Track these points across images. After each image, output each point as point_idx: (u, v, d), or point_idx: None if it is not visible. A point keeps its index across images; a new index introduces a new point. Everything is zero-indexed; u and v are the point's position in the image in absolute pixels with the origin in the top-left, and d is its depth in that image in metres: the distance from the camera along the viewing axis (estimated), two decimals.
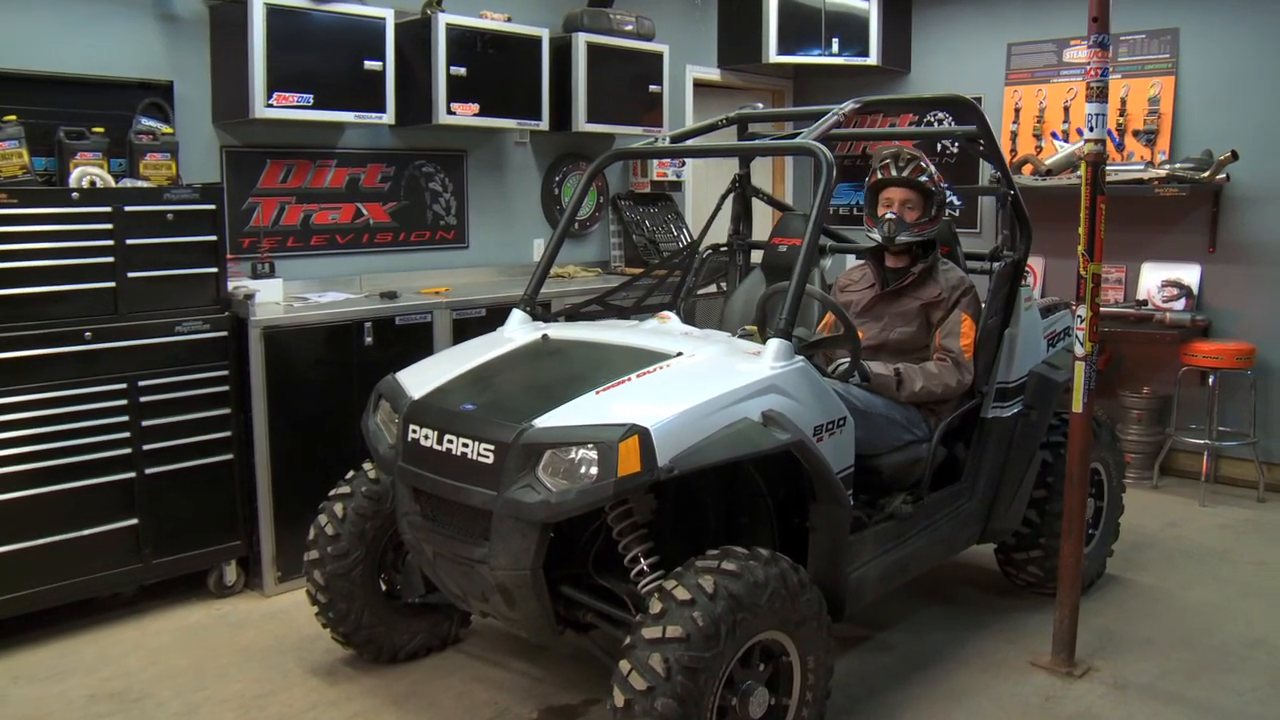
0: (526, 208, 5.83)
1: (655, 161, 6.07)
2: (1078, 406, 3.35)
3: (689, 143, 3.71)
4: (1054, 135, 6.18)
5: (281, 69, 4.38)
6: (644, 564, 2.86)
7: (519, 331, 3.58)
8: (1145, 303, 5.85)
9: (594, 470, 2.62)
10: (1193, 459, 5.81)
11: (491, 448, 2.77)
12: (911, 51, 6.79)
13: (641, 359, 3.03)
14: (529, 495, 2.68)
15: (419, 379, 3.25)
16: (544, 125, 5.36)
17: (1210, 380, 5.55)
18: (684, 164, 6.17)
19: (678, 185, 6.26)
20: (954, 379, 3.53)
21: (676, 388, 2.85)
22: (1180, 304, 5.79)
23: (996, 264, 3.78)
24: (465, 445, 2.84)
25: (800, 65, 6.57)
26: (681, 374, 2.92)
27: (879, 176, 3.66)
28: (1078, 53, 6.11)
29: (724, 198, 4.43)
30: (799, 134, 3.34)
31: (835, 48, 6.41)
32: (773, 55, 6.38)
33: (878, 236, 3.64)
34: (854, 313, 3.73)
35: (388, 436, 3.20)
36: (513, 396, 3.02)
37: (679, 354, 3.02)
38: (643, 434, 2.59)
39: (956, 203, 6.50)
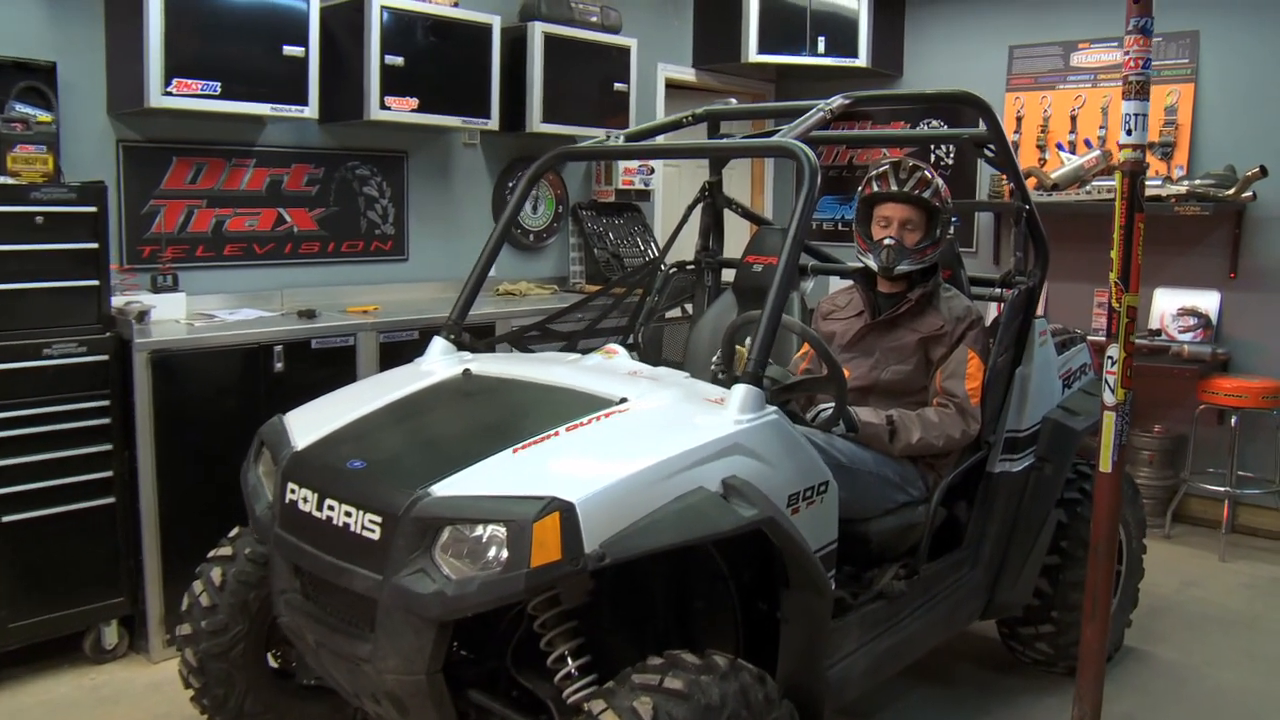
0: (475, 217, 5.24)
1: (621, 168, 5.50)
2: (1106, 465, 2.78)
3: (648, 142, 3.13)
4: (1059, 146, 5.64)
5: (183, 51, 3.79)
6: (571, 666, 2.27)
7: (440, 364, 2.99)
8: (1159, 333, 5.31)
9: (503, 554, 2.04)
10: (1210, 506, 5.26)
11: (378, 519, 2.18)
12: (904, 53, 6.24)
13: (575, 406, 2.45)
14: (422, 584, 2.10)
15: (309, 423, 2.66)
16: (493, 125, 4.79)
17: (1232, 420, 5.00)
18: (652, 171, 5.60)
19: (646, 194, 5.69)
20: (958, 429, 2.96)
21: (614, 446, 2.27)
22: (1197, 335, 5.24)
23: (1007, 291, 3.21)
24: (348, 514, 2.25)
25: (783, 66, 6.02)
26: (622, 428, 2.34)
27: (875, 189, 3.09)
28: (1086, 57, 5.57)
29: (691, 208, 3.85)
30: (777, 131, 2.77)
31: (821, 48, 5.86)
32: (753, 55, 5.82)
33: (872, 263, 3.07)
34: (839, 346, 3.16)
35: (267, 494, 2.61)
36: (413, 452, 2.44)
37: (622, 401, 2.44)
38: (565, 511, 2.00)
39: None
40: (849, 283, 3.33)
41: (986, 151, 3.21)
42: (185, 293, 4.10)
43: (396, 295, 4.84)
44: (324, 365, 3.98)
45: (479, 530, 2.09)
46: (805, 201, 2.48)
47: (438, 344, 3.09)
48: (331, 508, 2.29)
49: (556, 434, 2.30)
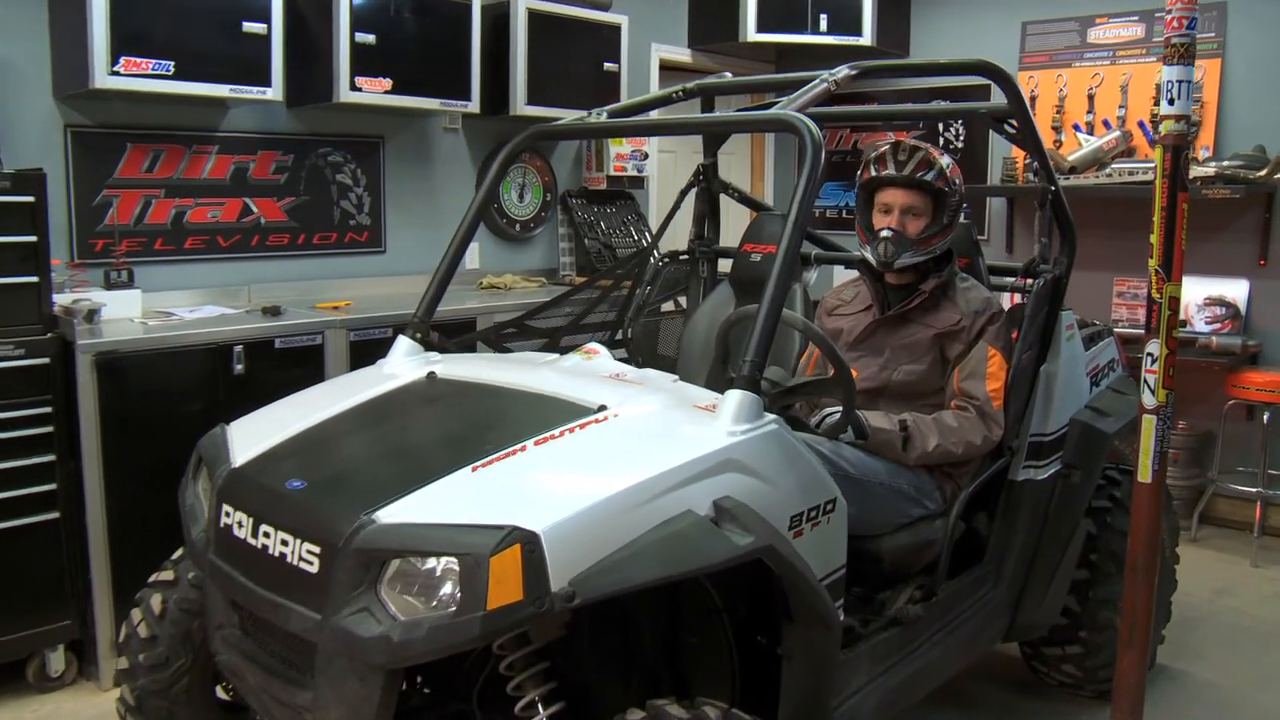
0: (457, 205, 4.93)
1: (613, 153, 5.19)
2: (1146, 475, 2.48)
3: (631, 119, 2.83)
4: (1076, 128, 5.32)
5: (131, 27, 3.49)
6: (541, 715, 1.98)
7: (404, 365, 2.71)
8: (1184, 324, 5.00)
9: (456, 593, 1.74)
10: (1239, 507, 4.96)
11: (316, 550, 1.89)
12: (910, 31, 5.93)
13: (547, 415, 2.15)
14: (365, 625, 1.80)
15: (252, 435, 2.37)
16: (474, 107, 4.48)
17: (1264, 417, 4.69)
18: (646, 156, 5.29)
19: (639, 181, 5.37)
20: (978, 435, 2.66)
21: (589, 463, 1.98)
22: (1225, 325, 4.93)
23: (1032, 281, 2.91)
24: (284, 543, 1.96)
25: (783, 45, 5.71)
26: (599, 441, 2.04)
27: (873, 173, 2.79)
28: (1104, 32, 5.25)
29: (684, 193, 3.55)
30: (775, 103, 2.47)
31: (824, 26, 5.55)
32: (751, 33, 5.52)
33: (871, 257, 2.77)
34: (845, 344, 2.86)
35: (204, 515, 2.32)
36: (361, 469, 2.14)
37: (600, 409, 2.14)
38: (527, 542, 1.71)
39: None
40: (856, 274, 3.03)
41: (1007, 128, 2.89)
42: (142, 289, 3.80)
43: (373, 290, 4.54)
44: (289, 366, 3.69)
45: (430, 563, 1.80)
46: (808, 182, 2.18)
47: (402, 344, 2.80)
48: (267, 534, 2.00)
49: (524, 448, 2.01)
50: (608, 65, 4.96)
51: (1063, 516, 2.98)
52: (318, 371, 3.75)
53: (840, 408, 2.39)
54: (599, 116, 2.83)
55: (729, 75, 3.17)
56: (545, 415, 2.16)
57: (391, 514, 1.86)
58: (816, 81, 2.54)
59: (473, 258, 4.99)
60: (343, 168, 4.51)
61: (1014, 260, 5.51)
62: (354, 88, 4.08)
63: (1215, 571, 4.52)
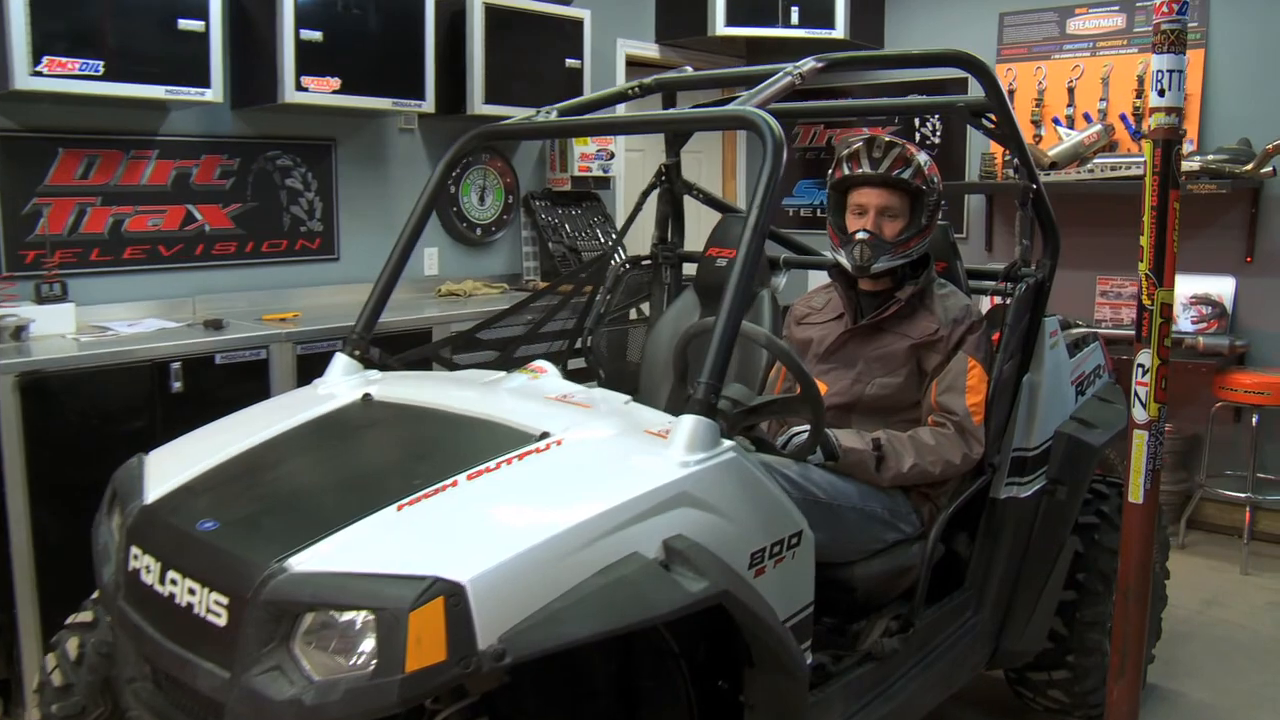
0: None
1: (577, 153, 4.99)
2: (1137, 495, 2.31)
3: (583, 117, 2.64)
4: (1056, 122, 5.16)
5: (55, 24, 3.27)
6: None
7: (342, 385, 2.52)
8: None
9: (373, 655, 1.55)
10: (1227, 511, 4.81)
11: (225, 601, 1.70)
12: (885, 24, 5.75)
13: (486, 443, 1.97)
14: (276, 686, 1.61)
15: (170, 466, 2.17)
16: (429, 107, 4.28)
17: (1253, 419, 4.54)
18: (612, 156, 5.09)
19: (605, 181, 5.18)
20: (958, 453, 2.48)
21: (525, 500, 1.79)
22: (1210, 325, 4.78)
23: (1014, 285, 2.73)
24: (192, 591, 1.77)
25: (754, 39, 5.53)
26: (538, 474, 1.85)
27: (845, 172, 2.61)
28: (1084, 23, 5.09)
29: (645, 195, 3.38)
30: (734, 98, 2.29)
31: (795, 19, 5.37)
32: (720, 27, 5.33)
33: (845, 261, 2.60)
34: (815, 355, 2.68)
35: (114, 555, 2.12)
36: (279, 508, 1.94)
37: (542, 436, 1.95)
38: (451, 595, 1.52)
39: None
40: (829, 281, 2.85)
41: (985, 122, 2.72)
42: (77, 303, 3.60)
43: (326, 299, 4.34)
44: (231, 383, 3.48)
45: (348, 615, 1.61)
46: (769, 182, 2.00)
47: (339, 362, 2.62)
48: (174, 581, 1.81)
49: (455, 483, 1.82)
50: (570, 62, 4.77)
51: (1048, 535, 2.81)
52: (262, 388, 3.54)
53: (808, 427, 2.21)
54: (548, 115, 2.64)
55: (690, 69, 2.98)
56: (482, 443, 1.98)
57: (306, 561, 1.67)
58: (780, 75, 2.36)
59: (431, 264, 4.79)
60: (292, 171, 4.31)
61: (994, 261, 5.36)
62: (300, 88, 3.88)
63: (1204, 580, 4.37)
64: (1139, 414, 2.31)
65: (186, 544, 1.84)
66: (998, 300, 2.90)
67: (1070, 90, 5.14)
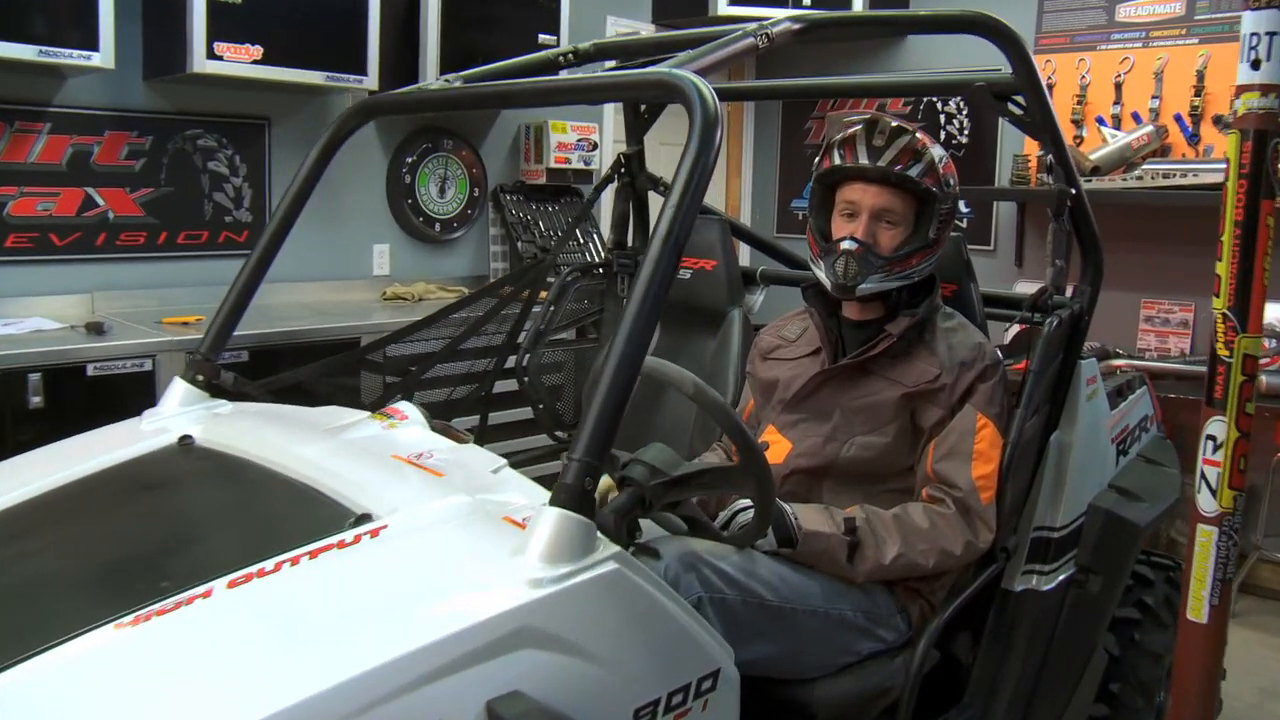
0: (364, 200, 4.19)
1: (554, 141, 4.42)
2: (1199, 611, 1.70)
3: (486, 85, 2.06)
4: (1100, 121, 4.53)
5: None
6: None
7: (175, 420, 1.97)
8: None
9: None
10: None
11: None
12: (910, 8, 5.14)
13: (288, 524, 1.41)
14: None
15: None
16: (371, 83, 3.71)
17: None
18: (595, 147, 4.51)
19: (586, 174, 4.59)
20: (958, 540, 1.88)
21: (295, 632, 1.21)
22: (1274, 361, 4.14)
23: (1043, 317, 2.12)
24: None
25: (761, 21, 4.92)
26: (327, 586, 1.28)
27: (835, 161, 2.01)
28: (1136, 9, 4.46)
29: (599, 189, 2.84)
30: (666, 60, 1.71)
31: (807, 0, 4.78)
32: (724, 7, 4.74)
33: (824, 277, 2.00)
34: (781, 402, 2.08)
35: None
36: None
37: (357, 521, 1.39)
38: None
39: (963, 209, 4.87)
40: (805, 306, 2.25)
41: (1012, 106, 2.11)
42: None
43: (258, 299, 3.78)
44: (105, 400, 2.94)
45: None
46: (691, 171, 1.41)
47: (176, 389, 2.07)
48: None
49: (208, 593, 1.25)
50: (544, 38, 4.18)
51: (1075, 637, 2.20)
52: (145, 403, 2.98)
53: (754, 504, 1.63)
54: (450, 84, 2.07)
55: (641, 32, 2.41)
56: (283, 524, 1.43)
57: None
58: (732, 35, 1.77)
59: (382, 262, 4.24)
60: (216, 154, 3.76)
61: (1024, 279, 4.75)
62: (213, 55, 3.33)
63: (1261, 661, 3.72)
64: (1206, 503, 1.71)
65: None
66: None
67: (1117, 85, 4.50)
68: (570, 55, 2.23)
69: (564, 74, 2.31)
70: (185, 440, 1.83)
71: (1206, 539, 1.69)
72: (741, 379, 2.40)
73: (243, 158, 3.83)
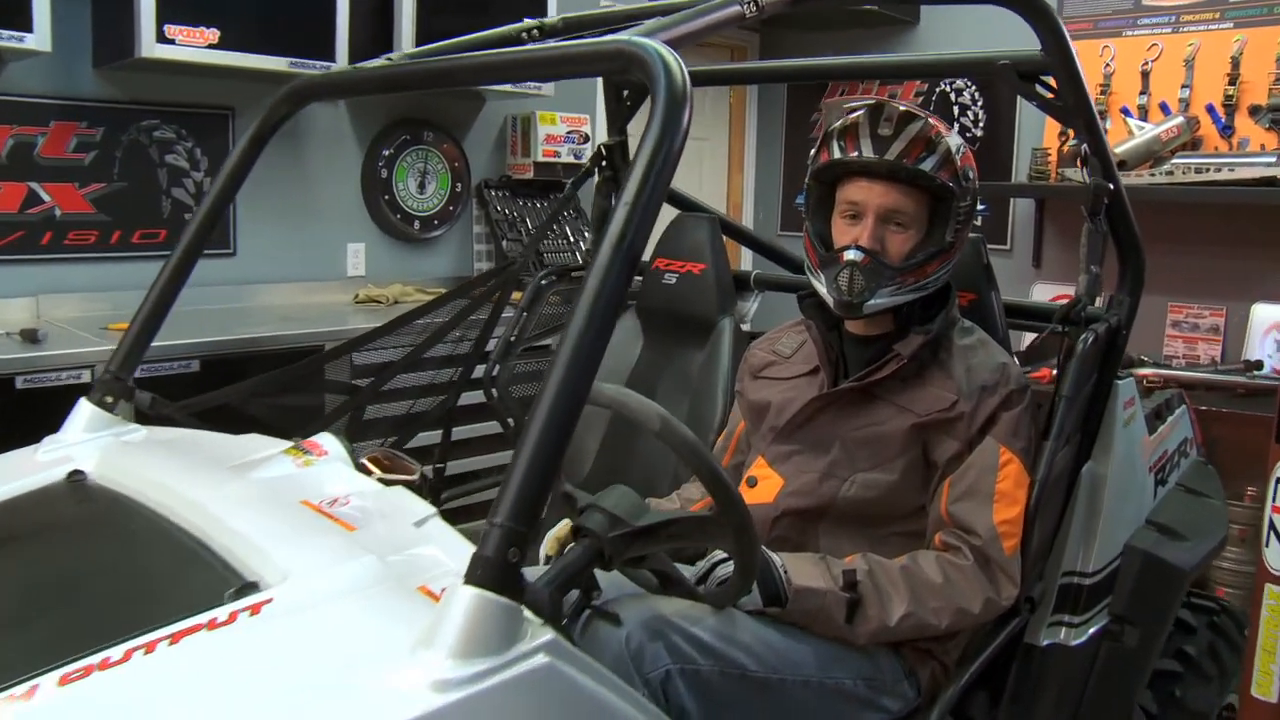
0: (338, 197, 3.93)
1: (543, 133, 4.15)
2: (1268, 689, 1.43)
3: (426, 61, 1.80)
4: (1125, 112, 4.25)
5: None
6: None
7: (78, 449, 1.71)
8: (1258, 365, 3.91)
9: None
10: None
11: None
12: None
13: (159, 592, 1.18)
14: None
15: None
16: (340, 70, 3.45)
17: None
18: (586, 139, 4.24)
19: (576, 169, 4.29)
20: (977, 596, 1.60)
21: None
22: None
23: (1077, 331, 1.84)
24: None
25: (771, 6, 4.64)
26: (178, 688, 1.01)
27: (835, 154, 1.73)
28: None
29: (576, 184, 2.57)
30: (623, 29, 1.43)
31: None
32: None
33: (824, 291, 1.73)
34: (773, 430, 1.81)
35: None
36: None
37: (241, 591, 1.13)
38: None
39: (979, 208, 4.57)
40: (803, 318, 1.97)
41: (1040, 89, 1.83)
42: None
43: (217, 303, 3.54)
44: (38, 414, 2.62)
45: None
46: (653, 155, 1.15)
47: (82, 412, 1.81)
48: None
49: (29, 693, 0.99)
50: (529, 20, 3.90)
51: (1109, 696, 1.92)
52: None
53: (733, 558, 1.36)
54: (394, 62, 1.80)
55: (612, 4, 2.13)
56: (150, 592, 1.17)
57: None
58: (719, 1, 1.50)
59: (357, 262, 3.98)
60: (175, 146, 3.50)
61: (1041, 280, 4.48)
62: (163, 39, 3.07)
63: None
64: (1276, 559, 1.43)
65: None
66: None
67: (1144, 74, 4.22)
68: (536, 30, 1.97)
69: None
70: (75, 476, 1.58)
71: (1277, 602, 1.41)
72: (731, 397, 2.13)
73: (204, 150, 3.57)
